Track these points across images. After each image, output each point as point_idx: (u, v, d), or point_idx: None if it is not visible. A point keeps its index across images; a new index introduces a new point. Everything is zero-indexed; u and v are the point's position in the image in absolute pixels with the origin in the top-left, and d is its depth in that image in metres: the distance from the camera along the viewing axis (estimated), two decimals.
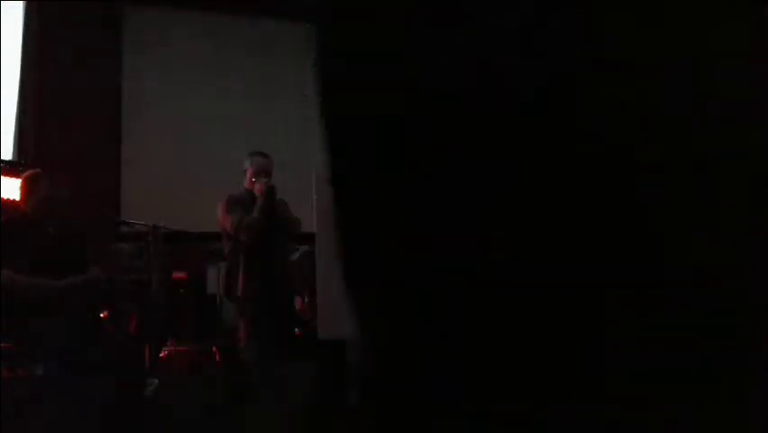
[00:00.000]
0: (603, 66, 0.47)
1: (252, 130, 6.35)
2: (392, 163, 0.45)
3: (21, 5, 5.68)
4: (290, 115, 6.62)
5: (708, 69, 0.48)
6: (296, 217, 3.97)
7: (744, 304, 0.47)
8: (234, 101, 6.54)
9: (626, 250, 0.46)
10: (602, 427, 0.48)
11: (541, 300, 0.46)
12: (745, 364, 0.47)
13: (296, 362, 3.45)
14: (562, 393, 0.47)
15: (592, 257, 0.46)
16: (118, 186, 6.10)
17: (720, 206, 0.47)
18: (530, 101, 0.45)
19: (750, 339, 0.48)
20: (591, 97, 0.47)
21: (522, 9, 0.45)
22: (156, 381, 3.12)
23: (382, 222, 0.47)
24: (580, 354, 0.48)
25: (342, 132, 0.51)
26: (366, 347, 0.54)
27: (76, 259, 3.48)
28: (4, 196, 4.61)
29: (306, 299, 4.80)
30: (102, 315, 3.89)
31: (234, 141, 6.17)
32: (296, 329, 4.37)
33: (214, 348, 4.49)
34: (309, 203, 3.11)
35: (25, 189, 3.55)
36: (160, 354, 4.25)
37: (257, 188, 3.80)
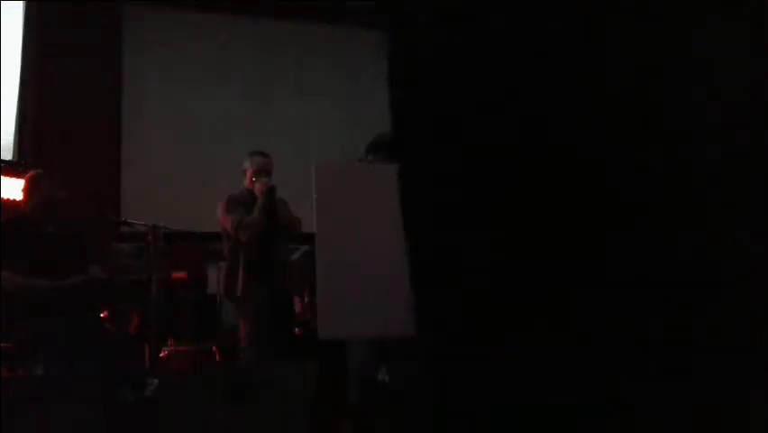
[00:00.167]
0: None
1: (252, 130, 6.35)
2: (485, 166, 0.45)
3: (21, 5, 5.68)
4: (290, 115, 6.62)
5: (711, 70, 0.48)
6: (296, 217, 3.97)
7: (744, 304, 0.48)
8: (234, 101, 6.54)
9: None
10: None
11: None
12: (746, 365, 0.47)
13: (296, 362, 3.45)
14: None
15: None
16: (118, 186, 6.10)
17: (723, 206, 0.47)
18: (602, 101, 0.44)
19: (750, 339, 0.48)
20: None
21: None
22: (156, 381, 3.11)
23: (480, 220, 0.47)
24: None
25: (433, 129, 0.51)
26: (437, 346, 0.54)
27: (76, 259, 3.48)
28: (4, 196, 4.61)
29: (306, 299, 4.80)
30: (102, 315, 3.89)
31: (234, 141, 6.17)
32: (296, 329, 4.37)
33: (214, 348, 4.49)
34: (309, 202, 3.10)
35: (26, 190, 3.55)
36: (160, 354, 4.25)
37: (257, 188, 3.79)
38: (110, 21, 6.23)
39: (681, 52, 0.48)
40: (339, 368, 3.35)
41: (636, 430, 0.48)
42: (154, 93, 6.35)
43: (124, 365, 3.24)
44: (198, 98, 6.42)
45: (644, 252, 0.48)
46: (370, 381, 3.21)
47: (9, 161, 5.31)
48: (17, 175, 4.55)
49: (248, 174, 3.91)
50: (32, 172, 3.62)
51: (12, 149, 5.47)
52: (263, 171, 3.86)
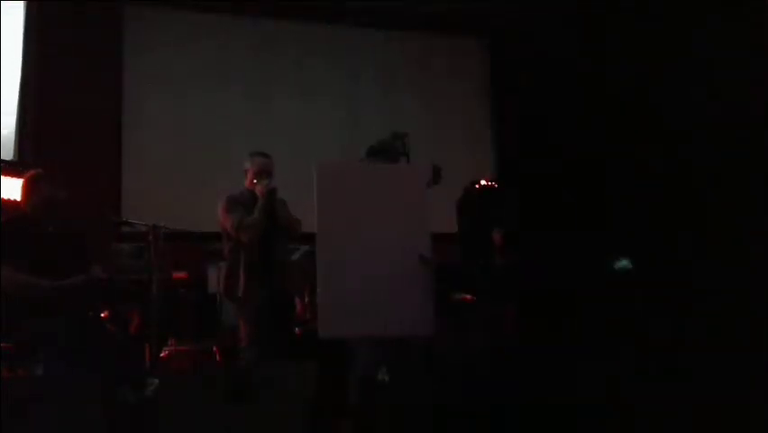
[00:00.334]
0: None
1: (252, 130, 6.35)
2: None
3: (21, 5, 5.68)
4: (290, 115, 6.62)
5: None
6: (296, 218, 3.97)
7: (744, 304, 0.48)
8: (234, 101, 6.54)
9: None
10: None
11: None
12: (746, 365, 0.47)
13: (296, 362, 3.45)
14: None
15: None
16: (118, 186, 6.10)
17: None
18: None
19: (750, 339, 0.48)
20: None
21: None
22: (156, 380, 3.11)
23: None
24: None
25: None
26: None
27: (76, 259, 3.48)
28: (4, 196, 4.61)
29: (307, 299, 4.80)
30: (102, 315, 3.89)
31: (234, 141, 6.18)
32: (296, 329, 4.37)
33: (214, 348, 4.49)
34: (309, 203, 3.11)
35: (26, 189, 3.54)
36: (161, 354, 4.25)
37: (258, 190, 3.79)
38: (110, 21, 6.23)
39: (681, 52, 0.48)
40: (339, 368, 3.35)
41: (636, 430, 0.48)
42: (154, 93, 6.35)
43: (125, 365, 3.24)
44: (198, 98, 6.42)
45: (644, 252, 0.48)
46: (370, 381, 3.21)
47: (9, 160, 5.31)
48: (17, 175, 4.55)
49: (248, 175, 3.91)
50: (31, 172, 3.62)
51: (12, 149, 5.47)
52: (264, 172, 3.86)
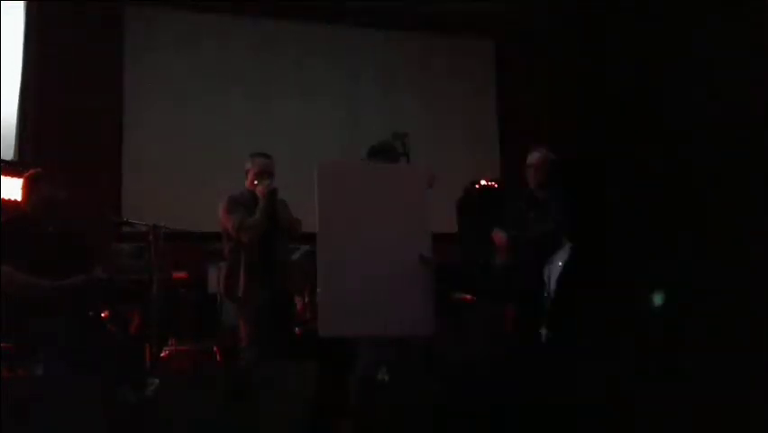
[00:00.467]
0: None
1: (252, 130, 6.34)
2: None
3: (21, 5, 5.67)
4: (290, 115, 6.62)
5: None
6: (296, 219, 3.97)
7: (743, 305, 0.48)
8: (234, 101, 6.54)
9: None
10: None
11: None
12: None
13: (296, 362, 3.45)
14: None
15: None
16: (119, 186, 6.10)
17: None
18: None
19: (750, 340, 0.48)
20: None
21: None
22: (156, 380, 3.11)
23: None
24: None
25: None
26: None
27: (76, 259, 3.48)
28: (4, 196, 4.61)
29: (307, 299, 4.80)
30: (103, 315, 3.89)
31: (234, 141, 6.18)
32: (296, 329, 4.37)
33: (214, 348, 4.49)
34: (309, 203, 3.11)
35: (26, 189, 3.54)
36: (161, 354, 4.25)
37: (259, 191, 3.79)
38: (110, 21, 6.23)
39: (681, 52, 0.48)
40: (339, 368, 3.35)
41: (636, 430, 0.48)
42: (154, 93, 6.35)
43: (125, 365, 3.24)
44: (198, 98, 6.42)
45: (644, 252, 0.48)
46: (370, 381, 3.21)
47: (9, 160, 5.31)
48: (17, 175, 4.54)
49: (249, 175, 3.91)
50: (31, 171, 3.62)
51: (12, 149, 5.47)
52: (265, 173, 3.86)
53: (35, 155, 5.51)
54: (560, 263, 2.72)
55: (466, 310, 4.51)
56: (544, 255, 2.83)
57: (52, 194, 3.50)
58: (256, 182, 3.84)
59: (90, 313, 3.55)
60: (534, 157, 4.00)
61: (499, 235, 3.83)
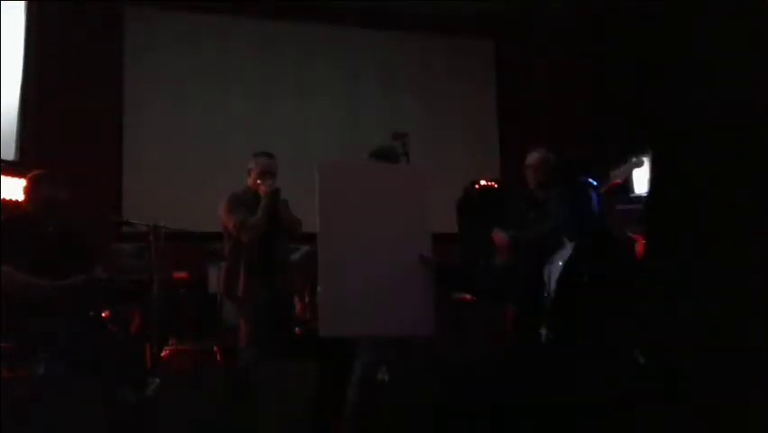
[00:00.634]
0: None
1: (252, 130, 6.35)
2: None
3: (21, 5, 5.67)
4: (290, 115, 6.62)
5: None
6: (296, 219, 3.97)
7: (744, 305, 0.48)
8: (234, 101, 6.54)
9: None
10: None
11: None
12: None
13: (296, 362, 3.45)
14: None
15: None
16: (119, 186, 6.10)
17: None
18: None
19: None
20: None
21: None
22: (157, 380, 3.12)
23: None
24: None
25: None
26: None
27: (76, 259, 3.48)
28: (5, 196, 4.61)
29: (307, 299, 4.80)
30: (103, 315, 3.89)
31: (234, 141, 6.18)
32: (296, 329, 4.37)
33: (215, 348, 4.49)
34: (309, 202, 3.10)
35: (28, 190, 3.55)
36: (162, 354, 4.25)
37: (262, 190, 3.80)
38: (110, 21, 6.23)
39: (681, 52, 0.48)
40: (339, 368, 3.35)
41: (636, 430, 0.48)
42: (154, 93, 6.35)
43: (125, 365, 3.24)
44: (198, 98, 6.42)
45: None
46: (370, 381, 3.21)
47: (10, 160, 5.31)
48: (18, 175, 4.55)
49: (252, 174, 3.91)
50: (33, 172, 3.62)
51: (12, 149, 5.47)
52: (268, 173, 3.86)
53: (36, 155, 5.51)
54: (560, 263, 2.72)
55: (466, 310, 4.51)
56: (544, 255, 2.82)
57: (53, 194, 3.50)
58: (259, 181, 3.84)
59: (90, 313, 3.55)
60: (533, 157, 4.00)
61: (499, 235, 3.83)
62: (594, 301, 2.49)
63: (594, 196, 2.78)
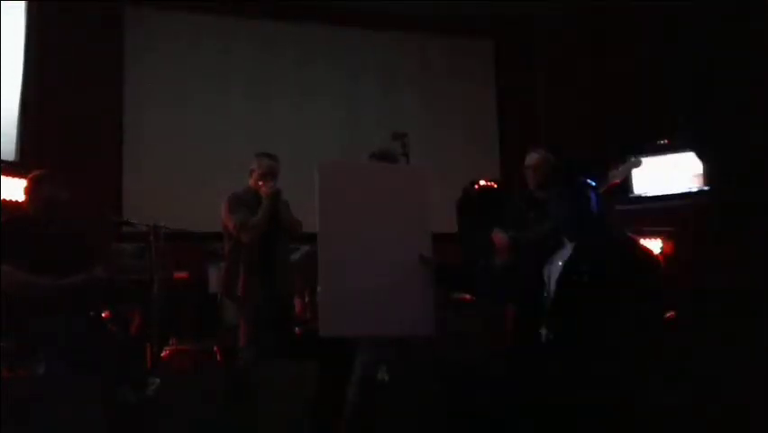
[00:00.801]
0: None
1: (252, 130, 6.35)
2: None
3: (21, 5, 5.67)
4: (290, 115, 6.63)
5: None
6: (297, 219, 3.98)
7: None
8: (235, 101, 6.54)
9: None
10: None
11: None
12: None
13: (296, 362, 3.46)
14: None
15: None
16: (119, 186, 6.10)
17: None
18: None
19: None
20: None
21: None
22: (157, 380, 3.12)
23: None
24: None
25: None
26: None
27: (77, 259, 3.48)
28: (5, 196, 4.61)
29: (307, 299, 4.80)
30: (103, 315, 3.89)
31: (234, 141, 6.18)
32: (296, 329, 4.37)
33: (215, 348, 4.49)
34: (308, 203, 3.10)
35: (29, 190, 3.55)
36: (162, 354, 4.26)
37: (263, 191, 3.80)
38: (110, 21, 6.23)
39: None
40: (339, 368, 3.35)
41: (636, 430, 0.48)
42: (155, 93, 6.35)
43: (125, 365, 3.24)
44: (198, 98, 6.42)
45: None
46: (370, 381, 3.21)
47: (10, 161, 5.31)
48: (18, 175, 4.55)
49: (254, 175, 3.91)
50: (34, 173, 3.62)
51: (13, 149, 5.47)
52: (270, 174, 3.87)
53: (36, 155, 5.50)
54: (560, 264, 2.71)
55: (466, 310, 4.51)
56: (543, 256, 2.82)
57: (53, 194, 3.50)
58: (260, 183, 3.84)
59: (91, 313, 3.55)
60: (532, 158, 4.01)
61: (499, 235, 3.83)
62: (594, 301, 2.48)
63: (593, 196, 2.77)
